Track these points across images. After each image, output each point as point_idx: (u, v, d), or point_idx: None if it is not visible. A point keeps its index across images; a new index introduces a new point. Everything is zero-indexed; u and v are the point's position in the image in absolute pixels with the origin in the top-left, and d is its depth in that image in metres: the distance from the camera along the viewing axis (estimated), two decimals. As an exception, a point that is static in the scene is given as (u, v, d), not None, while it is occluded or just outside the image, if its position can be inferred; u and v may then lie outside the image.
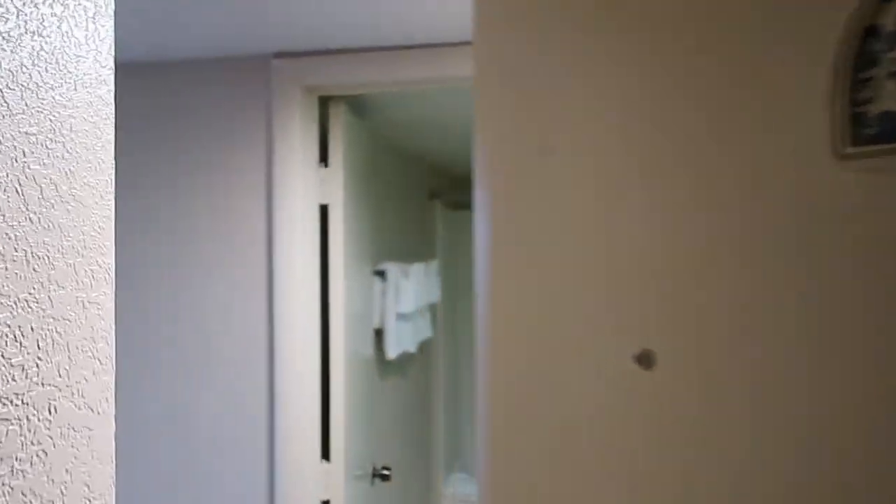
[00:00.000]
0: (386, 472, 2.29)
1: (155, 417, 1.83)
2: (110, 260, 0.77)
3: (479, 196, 0.95)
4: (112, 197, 0.78)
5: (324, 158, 1.89)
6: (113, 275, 0.78)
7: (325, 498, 1.90)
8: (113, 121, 0.78)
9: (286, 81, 1.74)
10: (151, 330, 1.83)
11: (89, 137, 0.74)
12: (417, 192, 3.44)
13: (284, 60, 1.74)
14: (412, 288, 2.74)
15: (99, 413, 0.76)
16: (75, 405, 0.72)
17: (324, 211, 1.91)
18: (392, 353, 2.61)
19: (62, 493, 0.71)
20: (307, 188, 1.82)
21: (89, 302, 0.74)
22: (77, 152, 0.72)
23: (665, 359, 0.76)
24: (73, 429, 0.72)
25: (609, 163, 0.82)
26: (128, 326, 1.84)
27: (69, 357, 0.71)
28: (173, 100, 1.81)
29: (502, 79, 0.92)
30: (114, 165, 0.78)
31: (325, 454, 1.92)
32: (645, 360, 0.76)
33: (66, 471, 0.71)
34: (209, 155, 1.80)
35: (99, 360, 0.76)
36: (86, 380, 0.74)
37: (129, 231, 1.84)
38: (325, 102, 1.88)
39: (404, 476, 3.00)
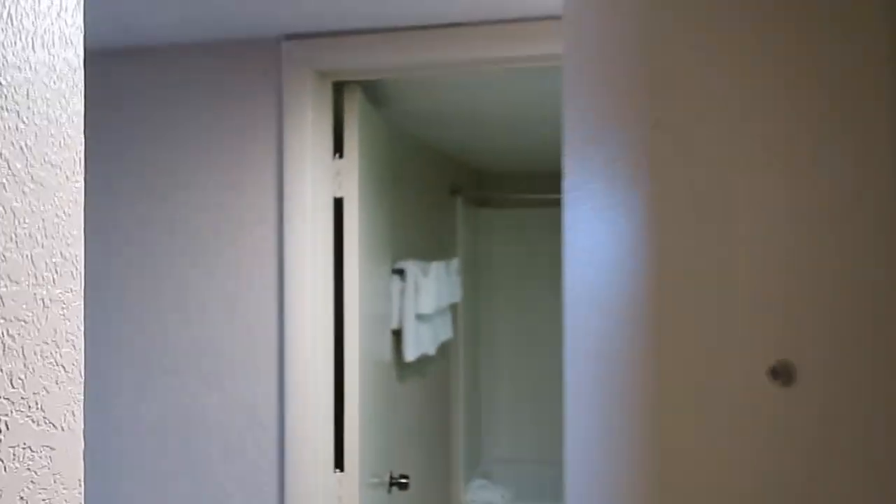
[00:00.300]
0: (403, 480, 2.18)
1: (159, 423, 1.73)
2: (78, 251, 0.67)
3: (584, 186, 0.81)
4: (81, 178, 0.67)
5: (338, 149, 1.78)
6: (81, 268, 0.67)
7: (338, 509, 1.79)
8: (82, 89, 0.67)
9: (297, 65, 1.63)
10: (155, 330, 1.73)
11: (52, 107, 0.63)
12: (438, 188, 3.32)
13: (296, 42, 1.63)
14: (432, 287, 2.63)
15: (63, 429, 0.65)
16: (32, 420, 0.62)
17: (338, 205, 1.80)
18: (410, 355, 2.50)
19: (15, 525, 0.60)
20: (320, 180, 1.71)
21: (51, 299, 0.63)
22: (36, 124, 0.61)
23: (807, 374, 0.62)
24: (29, 448, 0.61)
25: (747, 147, 0.68)
26: (131, 327, 1.74)
27: (25, 364, 0.61)
28: (177, 86, 1.71)
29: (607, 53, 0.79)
30: (83, 142, 0.67)
31: (339, 463, 1.81)
32: (783, 374, 0.62)
33: (21, 498, 0.61)
34: (215, 145, 1.70)
35: (63, 367, 0.65)
36: (46, 391, 0.63)
37: (131, 226, 1.74)
38: (339, 89, 1.77)
39: (422, 484, 2.89)
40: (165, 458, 1.74)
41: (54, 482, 0.64)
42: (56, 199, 0.64)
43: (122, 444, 1.76)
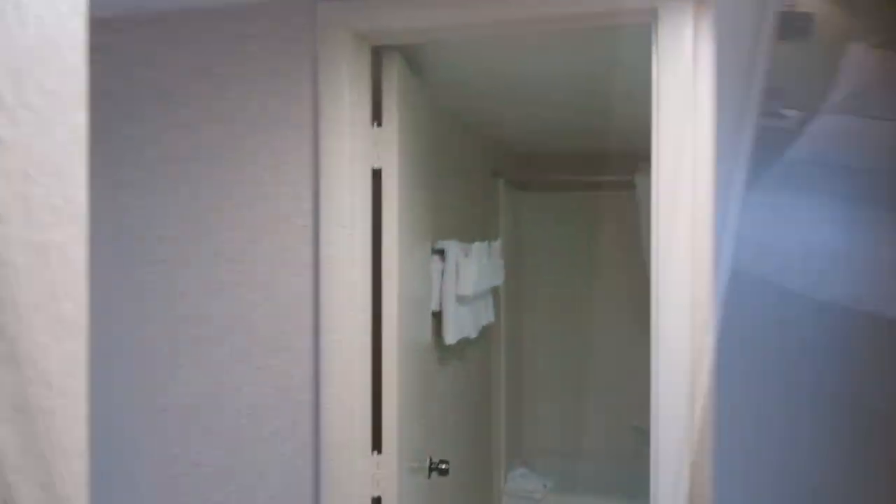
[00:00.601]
0: (443, 465, 2.10)
1: (187, 403, 1.68)
2: (80, 193, 0.59)
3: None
4: (83, 111, 0.60)
5: (376, 117, 1.70)
6: (84, 211, 0.60)
7: (376, 494, 1.72)
8: (84, 11, 0.59)
9: (334, 27, 1.55)
10: (182, 306, 1.68)
11: (48, 27, 0.56)
12: (479, 169, 3.23)
13: (332, 3, 1.55)
14: (473, 269, 2.53)
15: (63, 391, 0.58)
16: (26, 379, 0.55)
17: (376, 177, 1.72)
18: (451, 338, 2.42)
19: (6, 499, 0.53)
20: (358, 149, 1.63)
21: (48, 246, 0.56)
22: (25, 43, 0.54)
23: None
24: (22, 412, 0.54)
25: None
26: (158, 300, 1.69)
27: (17, 317, 0.54)
28: (206, 53, 1.64)
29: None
30: (87, 69, 0.60)
31: (377, 445, 1.74)
32: None
33: (14, 469, 0.54)
34: (247, 113, 1.63)
35: (62, 322, 0.58)
36: (42, 348, 0.56)
37: (160, 196, 1.69)
38: (377, 55, 1.68)
39: (463, 470, 2.81)
40: (196, 439, 1.69)
41: (52, 451, 0.57)
42: (54, 132, 0.57)
43: (151, 423, 1.71)
